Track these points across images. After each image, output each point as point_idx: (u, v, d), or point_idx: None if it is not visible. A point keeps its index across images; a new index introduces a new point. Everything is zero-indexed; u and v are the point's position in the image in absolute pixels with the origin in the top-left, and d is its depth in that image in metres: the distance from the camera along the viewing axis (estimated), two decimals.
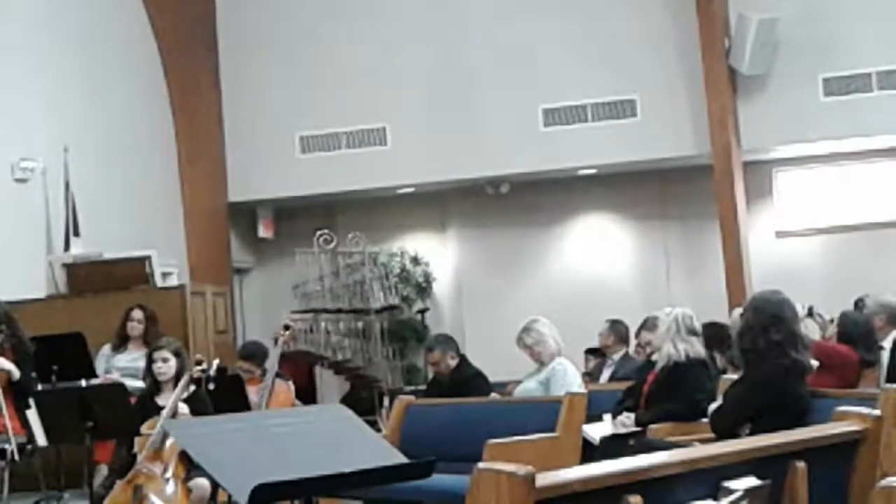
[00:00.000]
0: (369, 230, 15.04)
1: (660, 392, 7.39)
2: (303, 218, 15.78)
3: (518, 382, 8.49)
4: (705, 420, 6.37)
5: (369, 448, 4.17)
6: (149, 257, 11.46)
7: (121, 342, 9.72)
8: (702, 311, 8.30)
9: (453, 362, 8.54)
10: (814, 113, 13.42)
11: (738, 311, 7.39)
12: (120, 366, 9.54)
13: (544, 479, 2.78)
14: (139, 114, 13.83)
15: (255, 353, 9.71)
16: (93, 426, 7.14)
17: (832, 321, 9.78)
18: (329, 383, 15.25)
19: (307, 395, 13.66)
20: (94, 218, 12.13)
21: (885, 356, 8.26)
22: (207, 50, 15.07)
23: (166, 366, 7.45)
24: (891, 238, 14.01)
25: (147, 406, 7.41)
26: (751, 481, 3.32)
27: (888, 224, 14.11)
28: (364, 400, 13.53)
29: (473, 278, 15.53)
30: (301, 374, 13.87)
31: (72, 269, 11.54)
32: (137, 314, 9.72)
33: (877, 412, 3.91)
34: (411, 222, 15.83)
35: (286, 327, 9.86)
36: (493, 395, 8.42)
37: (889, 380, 7.64)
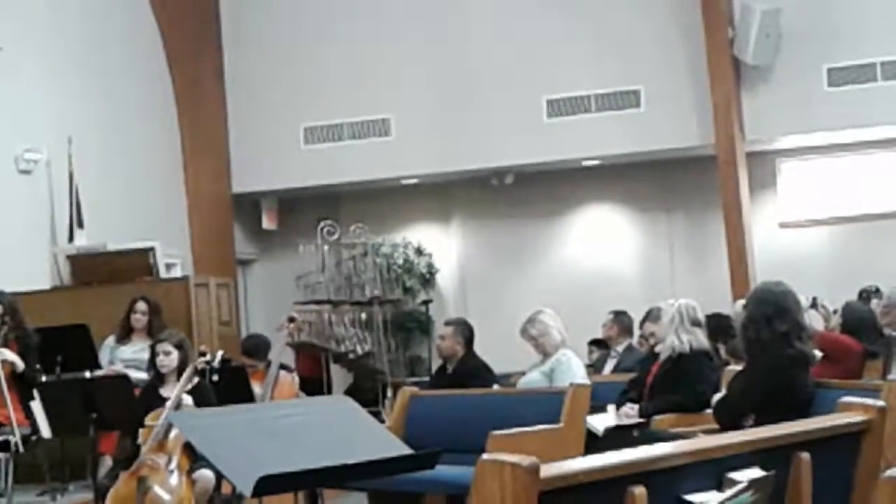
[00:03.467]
0: (373, 221, 15.05)
1: (663, 383, 7.40)
2: (307, 209, 15.78)
3: (522, 373, 8.49)
4: (709, 411, 6.37)
5: (373, 439, 4.17)
6: (152, 249, 11.46)
7: (125, 334, 9.72)
8: (705, 302, 8.30)
9: (459, 349, 8.52)
10: (818, 103, 13.41)
11: (741, 302, 7.39)
12: (124, 357, 9.55)
13: (548, 469, 2.78)
14: (143, 105, 13.83)
15: (256, 349, 9.73)
16: (97, 417, 7.15)
17: (836, 312, 9.78)
18: (341, 377, 15.20)
19: (320, 385, 13.69)
20: (98, 209, 12.14)
21: None
22: (211, 41, 15.06)
23: (168, 359, 7.45)
24: (895, 228, 13.99)
25: (151, 397, 7.42)
26: (755, 472, 3.32)
27: (892, 214, 14.09)
28: (368, 391, 13.54)
29: (477, 269, 15.53)
30: (317, 366, 13.88)
31: (76, 260, 11.55)
32: (141, 306, 9.71)
33: (881, 403, 3.90)
34: (415, 213, 15.82)
35: (291, 319, 9.87)
36: (495, 387, 8.43)
37: None
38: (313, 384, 13.39)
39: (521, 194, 15.19)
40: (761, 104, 13.64)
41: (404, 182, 15.32)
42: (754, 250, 13.62)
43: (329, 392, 13.72)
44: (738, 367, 6.42)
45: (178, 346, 7.52)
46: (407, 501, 6.97)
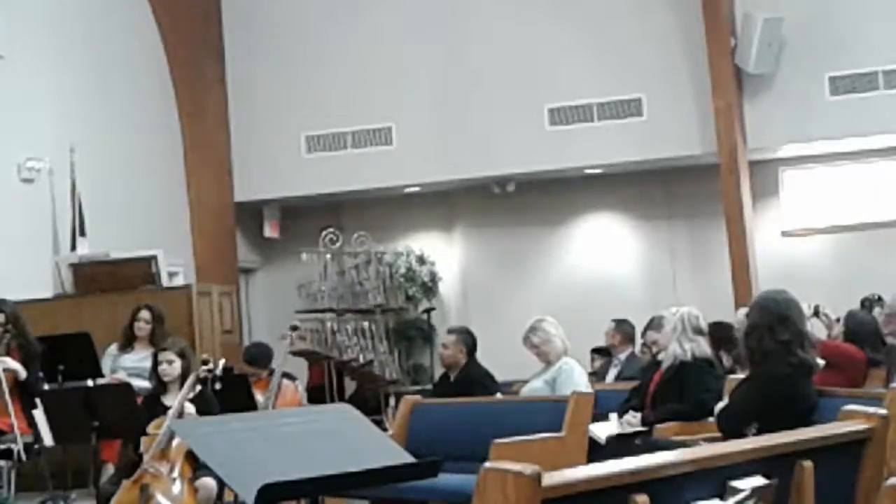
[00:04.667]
0: (375, 230, 15.05)
1: (666, 391, 7.40)
2: (309, 217, 15.78)
3: (524, 382, 8.49)
4: (711, 419, 6.37)
5: (376, 447, 4.17)
6: (155, 257, 11.46)
7: (127, 342, 9.74)
8: (708, 310, 8.31)
9: (461, 357, 8.53)
10: (820, 112, 13.40)
11: (743, 310, 7.39)
12: (126, 366, 9.55)
13: (551, 478, 2.78)
14: (145, 113, 13.84)
15: (259, 357, 9.74)
16: (99, 426, 7.16)
17: (838, 320, 9.77)
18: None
19: (332, 395, 13.70)
20: (101, 218, 12.14)
21: None
22: (213, 49, 15.08)
23: (171, 367, 7.45)
24: None
25: (153, 406, 7.42)
26: (757, 481, 3.32)
27: (895, 223, 14.08)
28: (370, 399, 13.53)
29: (479, 278, 15.53)
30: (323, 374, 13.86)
31: (78, 268, 11.55)
32: (145, 314, 9.73)
33: (883, 411, 3.90)
34: (417, 222, 15.83)
35: (294, 327, 9.87)
36: (498, 395, 8.43)
37: None
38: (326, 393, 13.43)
39: (523, 202, 15.19)
40: (763, 113, 13.65)
41: (406, 190, 15.33)
42: (756, 259, 13.61)
43: (341, 401, 13.71)
44: (741, 376, 6.42)
45: (181, 355, 7.52)
46: None
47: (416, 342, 15.35)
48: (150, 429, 7.08)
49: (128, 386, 8.13)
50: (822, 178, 14.62)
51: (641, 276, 15.05)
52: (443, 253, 15.75)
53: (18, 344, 8.55)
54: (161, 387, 7.52)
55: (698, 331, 7.49)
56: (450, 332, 8.89)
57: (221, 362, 7.92)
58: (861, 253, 14.05)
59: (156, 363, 7.55)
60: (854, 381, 8.20)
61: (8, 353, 8.41)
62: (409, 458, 4.19)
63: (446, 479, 5.15)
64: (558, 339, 8.16)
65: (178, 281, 12.79)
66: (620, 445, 6.95)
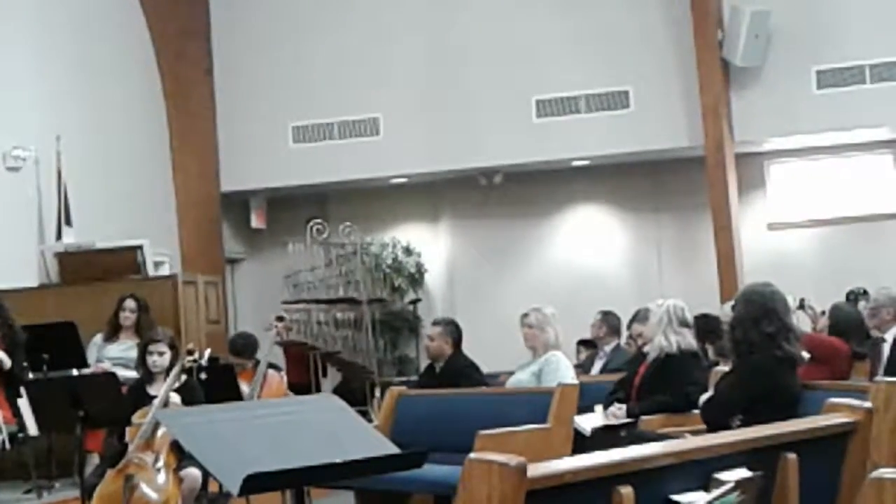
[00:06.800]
0: (362, 220, 15.04)
1: (651, 383, 7.41)
2: (295, 208, 15.77)
3: (510, 373, 8.49)
4: (696, 411, 6.38)
5: (361, 438, 4.17)
6: (141, 247, 11.44)
7: (113, 332, 9.72)
8: (694, 302, 8.31)
9: (447, 349, 8.52)
10: (807, 105, 13.43)
11: (729, 304, 7.40)
12: (111, 355, 9.53)
13: (536, 469, 2.78)
14: (132, 103, 13.81)
15: (244, 348, 9.71)
16: (84, 415, 7.13)
17: (823, 313, 9.80)
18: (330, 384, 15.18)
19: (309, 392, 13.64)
20: (87, 207, 12.11)
21: (887, 349, 8.17)
22: (200, 39, 15.04)
23: (162, 359, 7.44)
24: (882, 230, 14.04)
25: (138, 395, 7.41)
26: (742, 473, 3.32)
27: (880, 216, 14.13)
28: (356, 390, 13.53)
29: (466, 269, 15.53)
30: (306, 374, 13.78)
31: (64, 258, 11.52)
32: (130, 304, 9.71)
33: (868, 404, 3.92)
34: (404, 213, 15.82)
35: (280, 318, 9.85)
36: (483, 387, 8.43)
37: (888, 373, 7.60)
38: (303, 392, 13.35)
39: (510, 194, 15.19)
40: (750, 106, 13.66)
41: (393, 181, 15.31)
42: (742, 251, 13.64)
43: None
44: (726, 368, 6.43)
45: (171, 346, 7.52)
46: (394, 500, 6.98)
47: (402, 333, 15.35)
48: (136, 418, 7.08)
49: (113, 376, 8.10)
50: (809, 172, 14.65)
51: (628, 268, 15.07)
52: (429, 244, 15.75)
53: (3, 333, 8.53)
54: (147, 376, 7.50)
55: (684, 323, 7.49)
56: (435, 323, 8.88)
57: (207, 352, 7.91)
58: (847, 246, 14.08)
59: (145, 353, 7.53)
60: (839, 374, 8.23)
61: None
62: (395, 449, 4.19)
63: (431, 470, 5.15)
64: (552, 330, 8.09)
65: (164, 271, 12.77)
66: (606, 437, 6.96)
